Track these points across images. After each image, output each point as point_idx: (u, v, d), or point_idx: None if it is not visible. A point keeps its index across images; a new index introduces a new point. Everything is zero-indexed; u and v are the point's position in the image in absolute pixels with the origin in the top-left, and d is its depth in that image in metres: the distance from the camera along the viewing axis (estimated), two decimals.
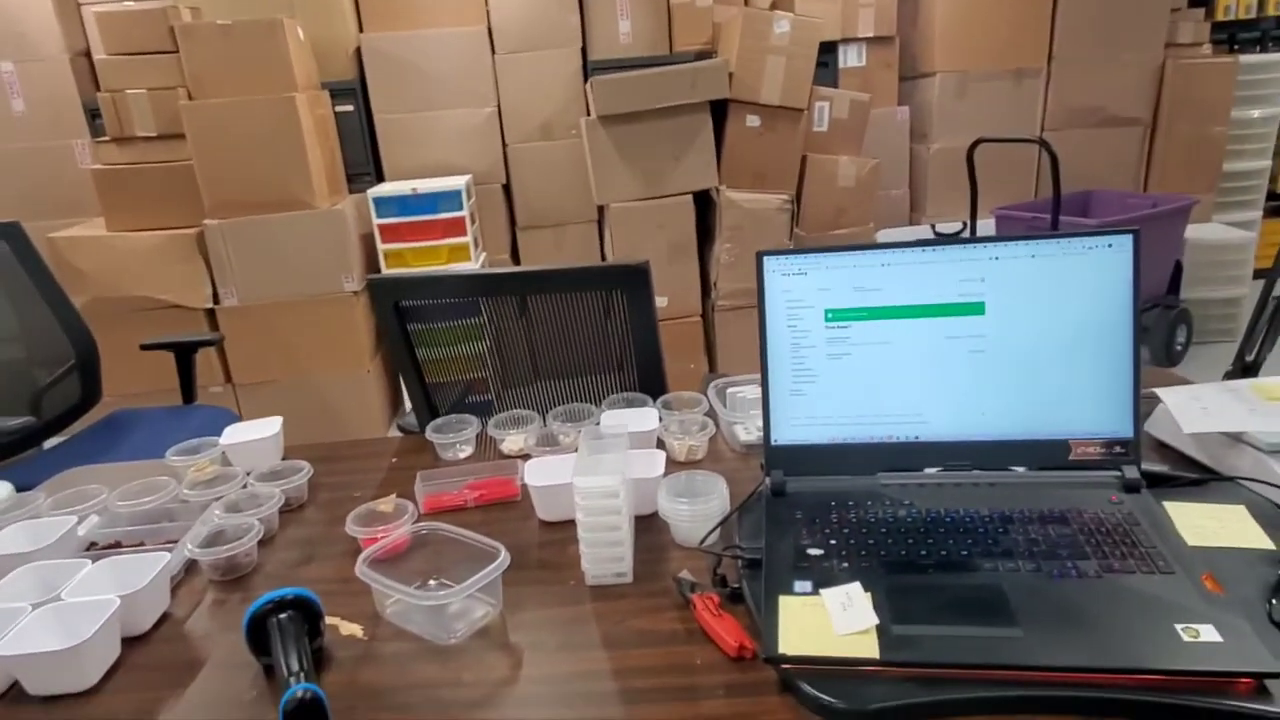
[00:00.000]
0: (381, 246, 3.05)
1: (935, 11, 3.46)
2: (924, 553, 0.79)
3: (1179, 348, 3.33)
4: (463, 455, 1.23)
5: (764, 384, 0.93)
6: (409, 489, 1.12)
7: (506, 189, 3.46)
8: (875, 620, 0.71)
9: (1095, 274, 0.86)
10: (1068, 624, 0.69)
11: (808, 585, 0.77)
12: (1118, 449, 0.88)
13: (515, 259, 3.54)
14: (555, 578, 0.90)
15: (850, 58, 3.50)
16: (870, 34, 3.48)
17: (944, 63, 3.50)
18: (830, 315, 0.91)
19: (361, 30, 3.26)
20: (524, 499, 1.08)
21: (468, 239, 3.07)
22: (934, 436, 0.91)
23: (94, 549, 0.99)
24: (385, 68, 3.22)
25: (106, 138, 2.82)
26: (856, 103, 3.16)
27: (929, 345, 0.89)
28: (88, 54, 3.26)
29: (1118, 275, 0.85)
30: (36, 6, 3.09)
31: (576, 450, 1.14)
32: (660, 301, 2.94)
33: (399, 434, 1.62)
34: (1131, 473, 0.87)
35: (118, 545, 0.99)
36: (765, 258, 0.91)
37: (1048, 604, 0.72)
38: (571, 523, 1.01)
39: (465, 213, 3.05)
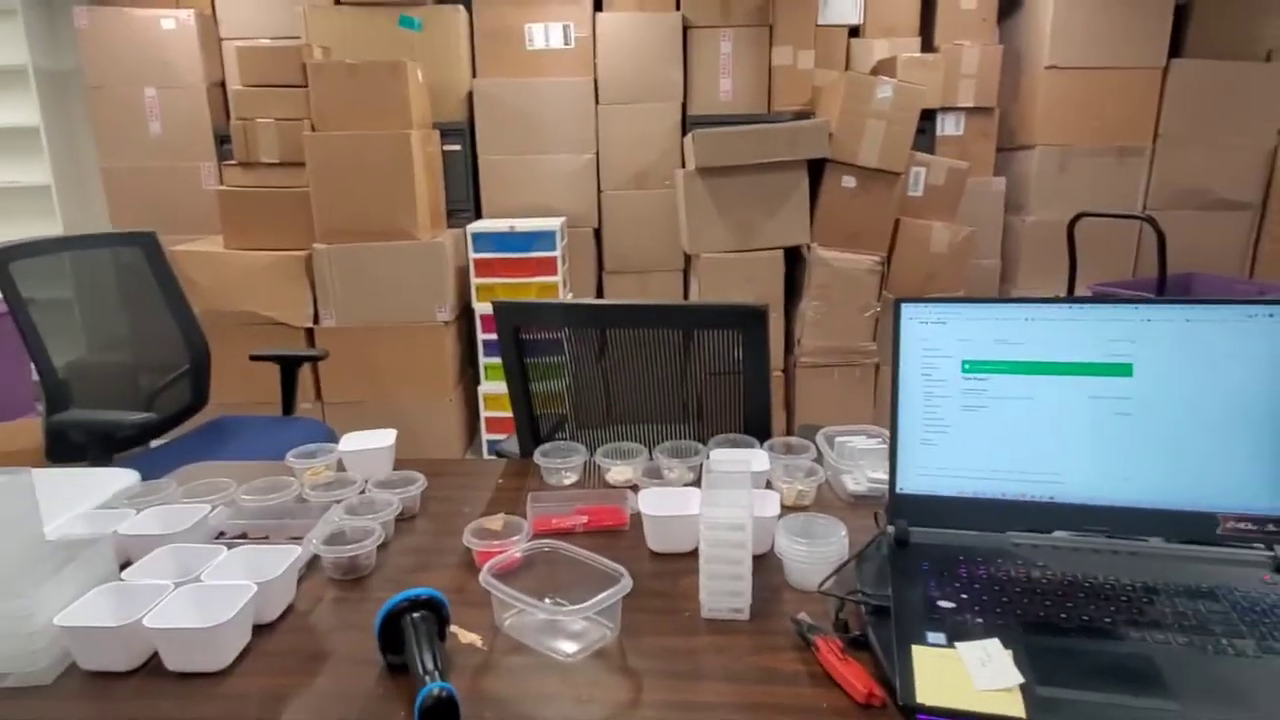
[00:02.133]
0: (475, 280, 3.14)
1: (1038, 86, 3.45)
2: (1064, 615, 0.76)
3: None
4: (567, 482, 1.24)
5: (892, 431, 0.92)
6: (515, 509, 1.14)
7: (597, 233, 3.54)
8: (1020, 679, 0.68)
9: (1255, 343, 0.83)
10: (1228, 702, 0.66)
11: (941, 637, 0.74)
12: (1271, 527, 0.84)
13: None
14: (669, 607, 0.90)
15: (948, 126, 3.51)
16: (970, 104, 3.48)
17: (1045, 136, 3.48)
18: (968, 366, 0.90)
19: (475, 75, 3.42)
20: (632, 528, 1.08)
21: (558, 278, 3.14)
22: (1070, 498, 0.89)
23: (222, 538, 1.02)
24: (494, 111, 3.37)
25: (233, 161, 3.00)
26: (954, 170, 3.15)
27: (1071, 404, 0.87)
28: (222, 84, 3.50)
29: (1278, 346, 0.83)
30: (182, 38, 3.34)
31: (684, 485, 1.15)
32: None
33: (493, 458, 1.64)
34: None
35: (244, 536, 1.03)
36: (903, 304, 0.91)
37: (1205, 680, 0.68)
38: (682, 555, 1.01)
39: (558, 253, 3.13)
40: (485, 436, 3.25)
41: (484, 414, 3.23)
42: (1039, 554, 0.87)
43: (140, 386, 2.13)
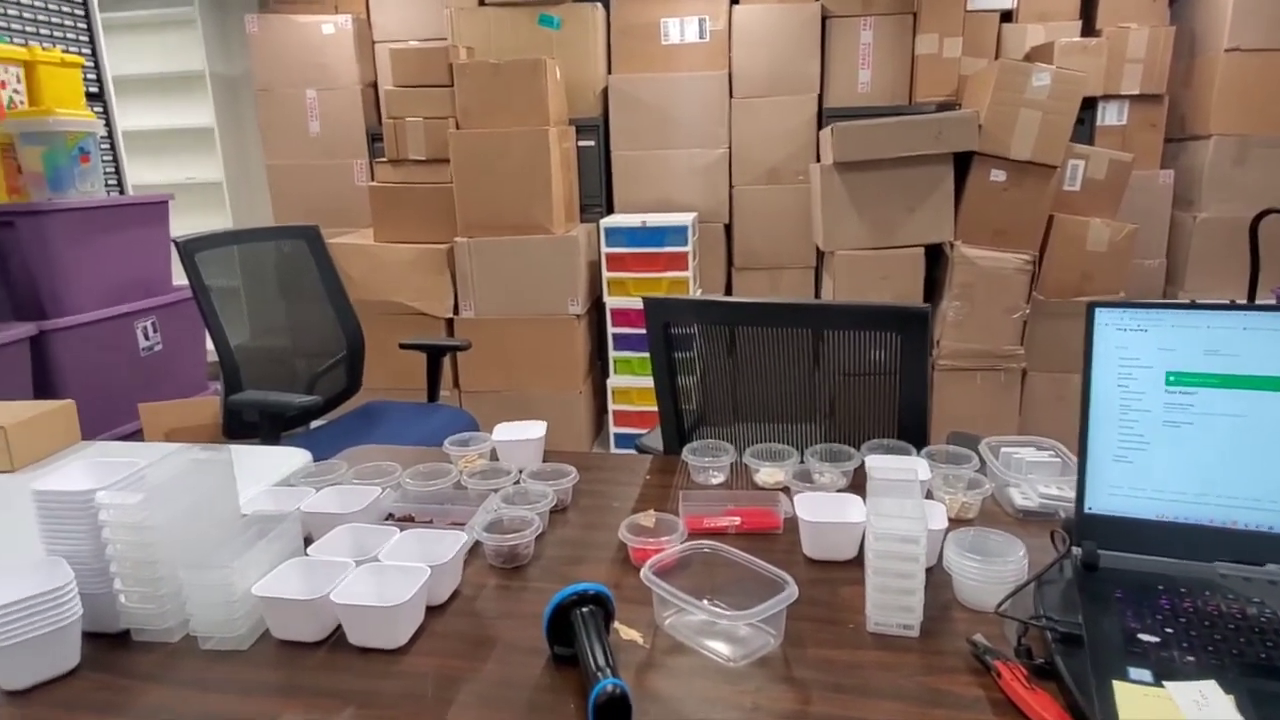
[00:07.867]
0: (606, 274, 3.18)
1: (1215, 70, 3.16)
2: None
3: None
4: (715, 481, 1.23)
5: (1081, 445, 0.86)
6: (662, 506, 1.14)
7: (728, 229, 3.51)
8: None
9: None
10: None
11: (1146, 674, 0.68)
12: None
13: None
14: (830, 617, 0.87)
15: (1110, 115, 3.27)
16: (1135, 91, 3.23)
17: (1220, 125, 3.18)
18: (1172, 379, 0.82)
19: (610, 72, 3.45)
20: (785, 532, 1.06)
21: (688, 274, 3.13)
22: None
23: (391, 519, 1.07)
24: (628, 107, 3.39)
25: (384, 159, 3.16)
26: (1116, 163, 2.93)
27: None
28: (374, 85, 3.69)
29: None
30: (340, 42, 3.54)
31: (837, 490, 1.11)
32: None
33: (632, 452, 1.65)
34: None
35: (410, 519, 1.07)
36: (1097, 309, 0.85)
37: None
38: (841, 563, 0.98)
39: (689, 248, 3.12)
40: (613, 430, 3.29)
41: (612, 407, 3.27)
42: (1252, 588, 0.79)
43: (298, 371, 2.27)
